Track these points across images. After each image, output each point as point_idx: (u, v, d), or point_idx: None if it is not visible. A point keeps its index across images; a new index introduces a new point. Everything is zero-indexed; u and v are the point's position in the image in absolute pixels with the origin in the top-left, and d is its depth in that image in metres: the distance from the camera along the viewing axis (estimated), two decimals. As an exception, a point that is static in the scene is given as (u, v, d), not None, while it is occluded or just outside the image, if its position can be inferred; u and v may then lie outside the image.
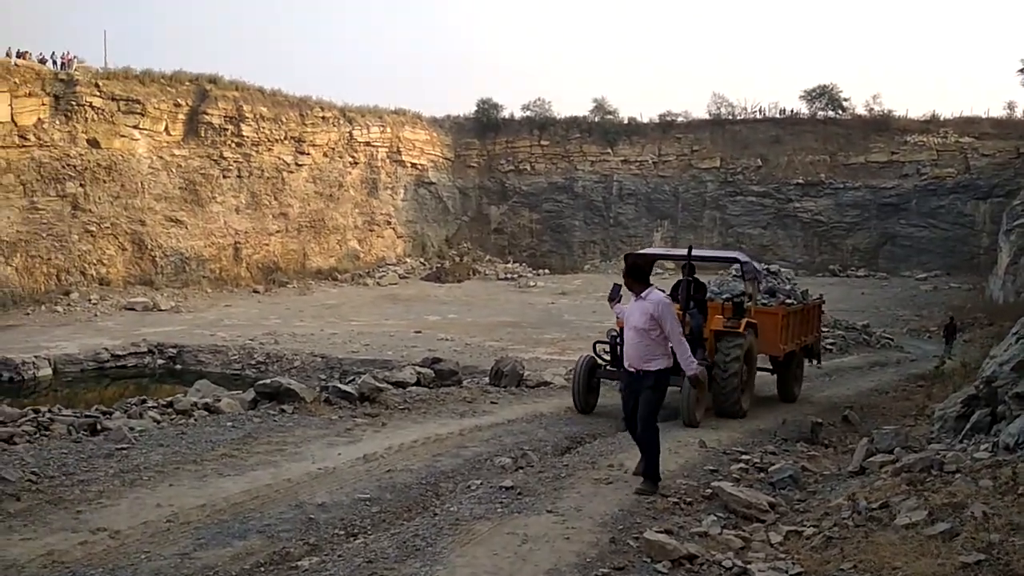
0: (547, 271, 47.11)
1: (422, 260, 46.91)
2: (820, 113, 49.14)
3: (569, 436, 9.21)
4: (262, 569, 4.97)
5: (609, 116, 52.11)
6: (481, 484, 6.89)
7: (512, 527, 5.57)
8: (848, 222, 46.00)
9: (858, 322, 26.25)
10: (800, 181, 46.77)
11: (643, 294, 6.72)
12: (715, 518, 5.90)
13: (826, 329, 21.78)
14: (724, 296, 15.53)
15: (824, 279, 42.44)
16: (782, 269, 27.12)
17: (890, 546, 4.67)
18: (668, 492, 6.56)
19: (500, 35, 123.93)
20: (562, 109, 53.70)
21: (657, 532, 5.37)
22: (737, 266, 15.20)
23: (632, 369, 6.71)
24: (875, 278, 43.01)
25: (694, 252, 11.67)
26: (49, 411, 9.31)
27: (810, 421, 10.30)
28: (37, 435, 8.07)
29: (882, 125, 46.92)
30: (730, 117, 50.66)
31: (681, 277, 11.37)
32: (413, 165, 48.03)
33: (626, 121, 52.16)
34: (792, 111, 50.14)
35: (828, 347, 21.05)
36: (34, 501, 6.11)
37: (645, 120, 52.06)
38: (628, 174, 50.55)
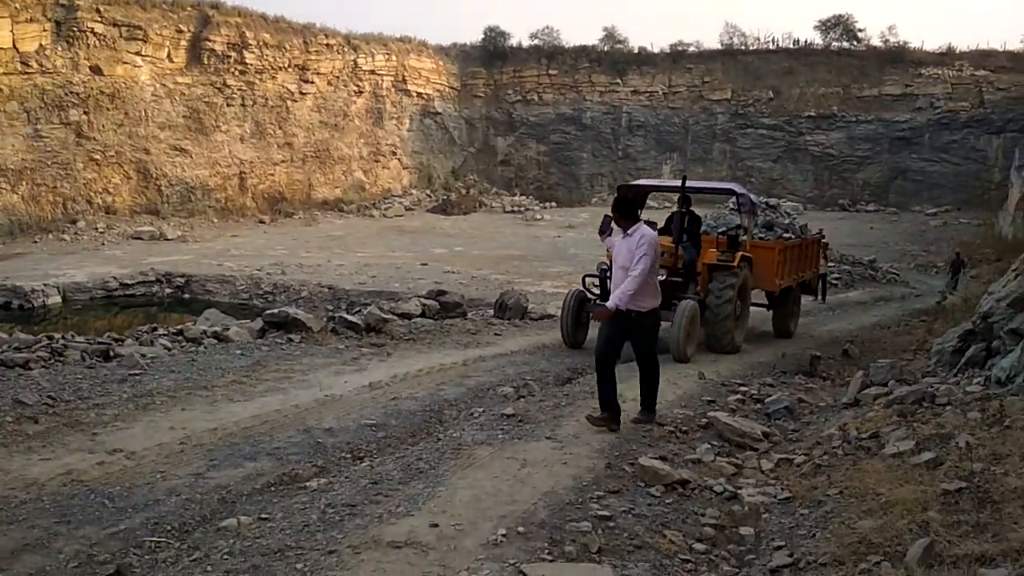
0: (554, 204, 46.88)
1: (428, 192, 46.71)
2: (834, 44, 48.11)
3: (570, 367, 9.40)
4: (272, 489, 5.20)
5: (619, 45, 51.08)
6: (483, 412, 7.08)
7: (512, 452, 5.77)
8: (859, 156, 45.48)
9: (865, 257, 26.27)
10: (812, 114, 46.07)
11: (631, 231, 6.46)
12: (709, 446, 6.10)
13: (832, 264, 21.84)
14: (720, 230, 15.45)
15: (834, 214, 42.26)
16: (782, 203, 26.57)
17: (876, 473, 4.85)
18: (664, 422, 6.74)
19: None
20: (571, 38, 53.23)
21: (651, 459, 5.57)
22: (734, 199, 14.94)
23: (621, 308, 6.45)
24: (885, 213, 42.77)
25: (689, 184, 11.44)
26: (62, 338, 9.52)
27: (809, 355, 10.49)
28: (52, 361, 8.28)
29: (897, 57, 45.95)
30: (742, 48, 49.66)
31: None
32: (419, 95, 47.42)
33: (636, 51, 51.18)
34: (806, 42, 49.02)
35: (833, 282, 21.14)
36: (52, 424, 6.32)
37: (655, 50, 51.13)
38: (637, 105, 49.83)
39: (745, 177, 46.85)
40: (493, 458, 5.63)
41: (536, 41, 51.73)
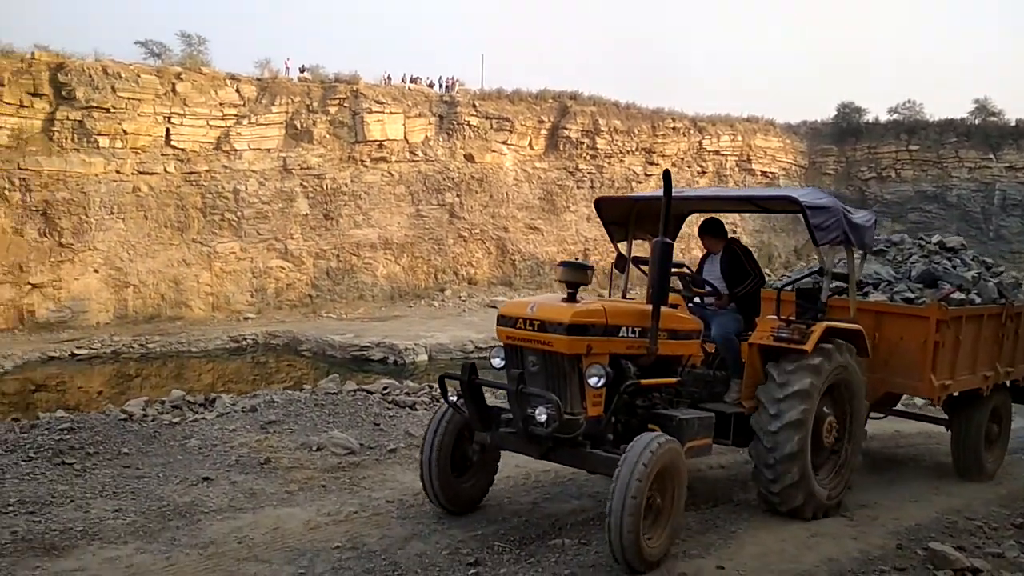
0: (909, 285, 43.72)
1: (768, 271, 46.23)
2: None
3: (891, 458, 9.38)
4: (591, 522, 6.30)
5: (993, 118, 46.91)
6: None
7: (804, 523, 6.27)
8: None
9: None
10: None
11: None
12: (1016, 544, 6.03)
13: None
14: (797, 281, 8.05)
15: None
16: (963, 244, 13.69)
17: None
18: (974, 516, 6.72)
19: (865, 37, 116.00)
20: (935, 111, 49.55)
21: (946, 545, 5.74)
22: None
23: None
24: None
25: (688, 192, 7.19)
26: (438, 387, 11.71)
27: None
28: (431, 404, 10.37)
29: None
30: None
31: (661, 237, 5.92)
32: (763, 173, 47.54)
33: (1013, 123, 46.58)
34: None
35: None
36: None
37: (1038, 121, 46.08)
38: (1014, 182, 45.12)
39: None
40: (784, 524, 6.20)
41: (895, 116, 49.53)
